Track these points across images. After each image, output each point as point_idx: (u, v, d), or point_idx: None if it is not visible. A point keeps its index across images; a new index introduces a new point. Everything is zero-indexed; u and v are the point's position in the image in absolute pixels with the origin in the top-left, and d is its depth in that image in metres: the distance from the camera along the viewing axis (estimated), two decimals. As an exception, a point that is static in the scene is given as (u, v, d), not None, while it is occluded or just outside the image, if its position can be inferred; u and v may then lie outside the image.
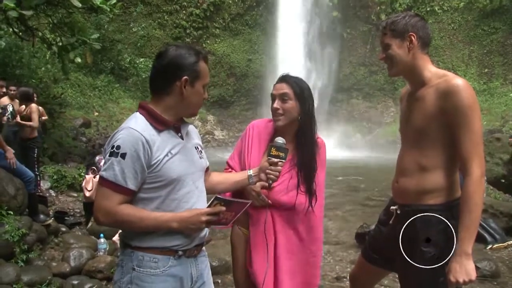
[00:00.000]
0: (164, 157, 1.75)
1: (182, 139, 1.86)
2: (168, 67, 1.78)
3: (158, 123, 1.78)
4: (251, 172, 2.18)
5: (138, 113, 1.82)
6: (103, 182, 1.71)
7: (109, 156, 1.70)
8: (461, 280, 1.89)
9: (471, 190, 1.92)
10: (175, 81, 1.78)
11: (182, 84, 1.77)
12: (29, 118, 6.76)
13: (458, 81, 1.98)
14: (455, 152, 2.00)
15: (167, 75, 1.79)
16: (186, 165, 1.83)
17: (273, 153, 2.11)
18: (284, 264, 2.32)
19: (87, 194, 5.81)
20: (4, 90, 7.10)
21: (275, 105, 2.33)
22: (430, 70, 2.11)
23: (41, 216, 5.48)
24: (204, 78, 1.84)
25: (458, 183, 2.10)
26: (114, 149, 1.69)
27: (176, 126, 1.85)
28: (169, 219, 1.74)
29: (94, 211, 1.75)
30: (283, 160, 2.11)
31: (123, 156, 1.68)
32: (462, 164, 1.98)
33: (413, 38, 2.08)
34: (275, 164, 2.10)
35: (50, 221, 5.52)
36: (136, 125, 1.74)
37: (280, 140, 2.15)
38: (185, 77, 1.77)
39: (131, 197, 1.74)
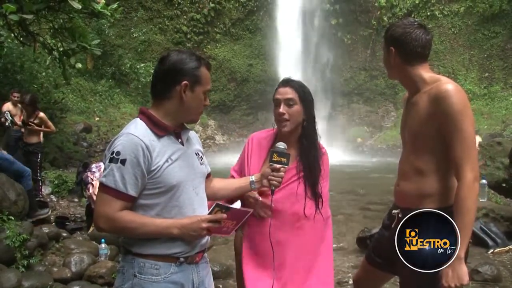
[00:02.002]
0: (164, 163, 1.74)
1: (183, 145, 1.86)
2: (168, 72, 1.78)
3: (158, 129, 1.78)
4: (253, 178, 2.16)
5: (138, 118, 1.81)
6: (103, 188, 1.70)
7: (109, 162, 1.69)
8: (453, 285, 1.89)
9: (463, 195, 1.92)
10: (175, 85, 1.77)
11: (182, 89, 1.77)
12: (40, 127, 6.92)
13: (449, 86, 1.99)
14: (449, 156, 2.00)
15: (167, 79, 1.78)
16: (186, 171, 1.82)
17: (275, 159, 2.09)
18: (284, 273, 2.29)
19: None
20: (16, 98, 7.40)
21: (281, 110, 2.29)
22: (423, 76, 2.12)
23: (39, 210, 5.56)
24: (205, 84, 1.83)
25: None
26: (114, 155, 1.69)
27: (176, 131, 1.85)
28: (169, 226, 1.74)
29: (94, 218, 1.74)
30: (286, 166, 2.09)
31: (123, 162, 1.67)
32: (455, 169, 1.98)
33: (392, 51, 2.14)
34: (277, 170, 2.08)
35: (49, 212, 5.69)
36: (136, 130, 1.73)
37: (281, 145, 2.13)
38: (185, 81, 1.77)
39: (132, 203, 1.73)
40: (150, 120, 1.79)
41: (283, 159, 2.09)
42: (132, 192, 1.70)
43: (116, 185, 1.68)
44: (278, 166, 2.08)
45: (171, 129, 1.82)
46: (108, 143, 1.82)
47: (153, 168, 1.71)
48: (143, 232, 1.73)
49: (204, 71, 1.83)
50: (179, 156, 1.81)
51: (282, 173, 2.09)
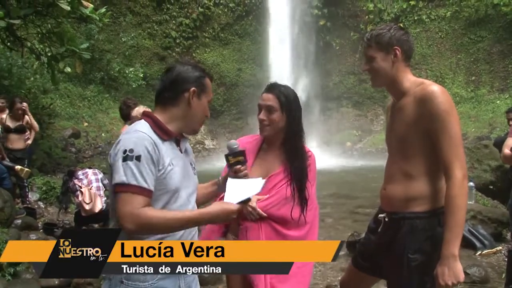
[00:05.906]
0: (168, 165, 1.76)
1: (181, 152, 1.88)
2: (177, 80, 1.83)
3: (162, 133, 1.80)
4: (220, 180, 2.14)
5: (143, 120, 1.83)
6: (124, 187, 1.67)
7: (123, 161, 1.68)
8: (450, 283, 1.91)
9: (454, 194, 1.95)
10: (184, 92, 1.82)
11: (190, 95, 1.82)
12: (26, 128, 6.85)
13: (434, 88, 2.03)
14: (437, 158, 2.03)
15: (176, 87, 1.83)
16: (183, 178, 1.84)
17: (231, 161, 2.03)
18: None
19: (87, 207, 5.61)
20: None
21: (261, 116, 2.33)
22: (409, 79, 2.17)
23: None
24: (209, 94, 1.90)
25: (444, 190, 2.12)
26: (128, 152, 1.68)
27: (177, 138, 1.87)
28: (197, 217, 1.79)
29: (120, 221, 1.68)
30: (245, 163, 2.04)
31: (138, 158, 1.68)
32: (444, 168, 2.01)
33: (397, 52, 2.14)
34: (239, 170, 2.01)
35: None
36: (143, 128, 1.76)
37: (232, 145, 2.07)
38: (193, 88, 1.82)
39: (151, 199, 1.72)
40: (154, 123, 1.81)
41: (239, 158, 2.02)
42: (152, 187, 1.70)
43: (138, 181, 1.66)
44: (238, 166, 2.02)
45: (174, 135, 1.84)
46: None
47: (160, 167, 1.73)
48: (169, 226, 1.72)
49: (208, 81, 1.90)
50: (178, 162, 1.82)
51: (245, 171, 2.02)
